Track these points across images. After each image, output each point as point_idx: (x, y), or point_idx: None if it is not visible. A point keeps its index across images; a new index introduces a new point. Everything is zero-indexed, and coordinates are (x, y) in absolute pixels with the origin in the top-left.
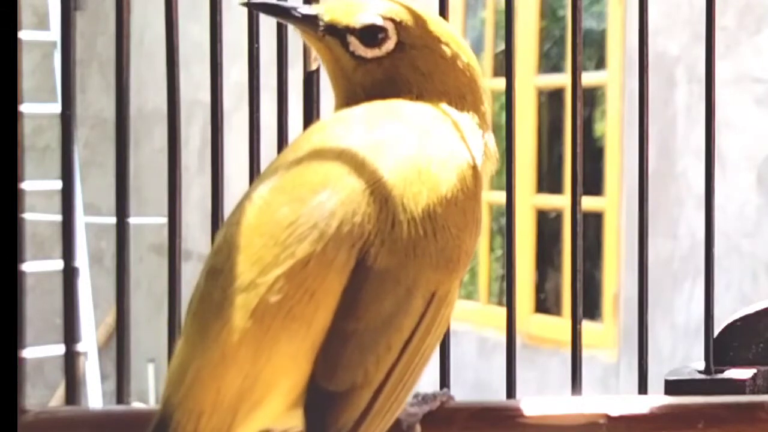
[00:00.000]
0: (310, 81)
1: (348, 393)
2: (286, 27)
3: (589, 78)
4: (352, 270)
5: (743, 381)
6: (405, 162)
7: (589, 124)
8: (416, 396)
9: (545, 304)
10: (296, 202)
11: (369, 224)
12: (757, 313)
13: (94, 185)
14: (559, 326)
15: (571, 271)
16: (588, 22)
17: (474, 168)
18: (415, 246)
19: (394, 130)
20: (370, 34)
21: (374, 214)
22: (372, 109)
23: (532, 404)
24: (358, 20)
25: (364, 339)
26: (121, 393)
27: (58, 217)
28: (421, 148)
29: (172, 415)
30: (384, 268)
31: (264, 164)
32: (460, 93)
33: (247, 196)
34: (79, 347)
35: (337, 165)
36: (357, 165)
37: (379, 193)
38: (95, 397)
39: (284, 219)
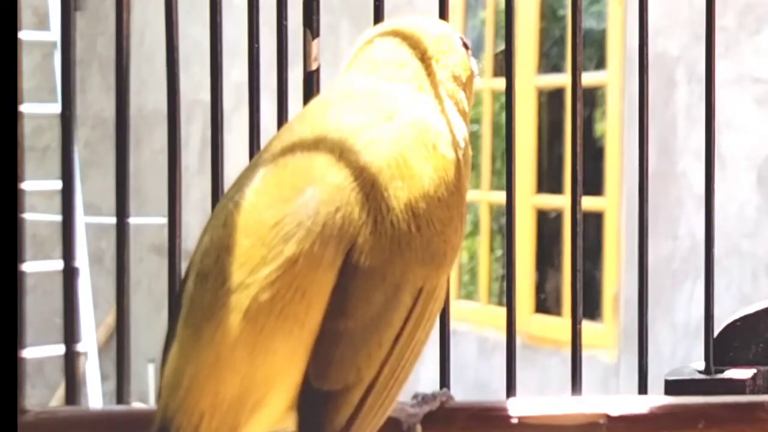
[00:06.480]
0: (310, 81)
1: (341, 392)
2: (286, 27)
3: (589, 78)
4: (340, 268)
5: (743, 381)
6: (385, 157)
7: (589, 124)
8: (416, 396)
9: (545, 304)
10: (281, 202)
11: (353, 221)
12: (757, 313)
13: (94, 185)
14: (559, 326)
15: (571, 271)
16: (588, 22)
17: (457, 161)
18: (399, 242)
19: (373, 121)
20: None
21: (357, 211)
22: (358, 95)
23: (532, 404)
24: None
25: (355, 337)
26: (121, 393)
27: (58, 217)
28: (402, 141)
29: (172, 419)
30: (371, 265)
31: None
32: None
33: (230, 199)
34: (79, 347)
35: (317, 160)
36: (337, 160)
37: (361, 190)
38: (95, 397)
39: (270, 219)
